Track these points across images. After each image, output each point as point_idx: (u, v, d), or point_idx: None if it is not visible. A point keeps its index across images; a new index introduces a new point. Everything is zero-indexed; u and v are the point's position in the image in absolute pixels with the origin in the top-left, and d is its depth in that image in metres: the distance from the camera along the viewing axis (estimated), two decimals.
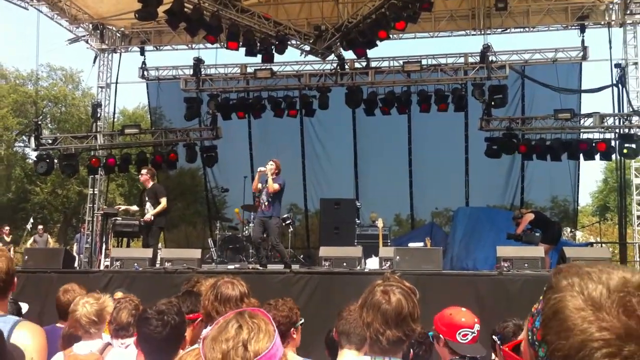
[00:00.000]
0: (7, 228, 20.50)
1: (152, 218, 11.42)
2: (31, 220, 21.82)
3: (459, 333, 3.48)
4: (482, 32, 15.78)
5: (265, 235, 11.01)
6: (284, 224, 13.83)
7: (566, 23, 15.81)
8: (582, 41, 15.72)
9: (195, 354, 2.45)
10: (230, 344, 1.77)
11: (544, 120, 15.60)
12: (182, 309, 3.46)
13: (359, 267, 9.69)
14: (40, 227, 21.82)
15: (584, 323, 0.99)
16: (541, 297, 1.13)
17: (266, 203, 10.66)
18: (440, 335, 3.54)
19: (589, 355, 0.97)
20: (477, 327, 3.54)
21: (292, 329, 3.86)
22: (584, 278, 1.05)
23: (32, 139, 16.69)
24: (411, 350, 3.52)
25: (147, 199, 11.76)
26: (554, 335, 1.04)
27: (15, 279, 2.96)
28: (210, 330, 1.86)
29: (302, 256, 14.80)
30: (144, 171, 12.22)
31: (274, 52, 14.18)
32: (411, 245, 11.80)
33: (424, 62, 15.86)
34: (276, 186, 10.58)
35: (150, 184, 11.87)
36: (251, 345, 1.77)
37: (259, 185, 10.91)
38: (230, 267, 11.66)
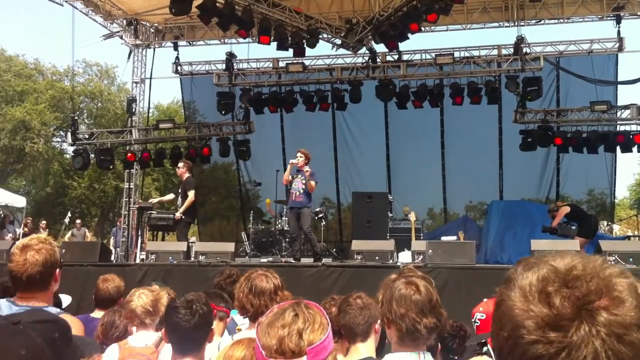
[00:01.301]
0: (44, 222, 20.96)
1: (181, 216, 11.55)
2: (69, 214, 22.21)
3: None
4: (516, 24, 15.56)
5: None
6: (316, 217, 13.91)
7: (601, 14, 15.51)
8: (618, 32, 15.44)
9: (244, 345, 2.49)
10: (286, 331, 1.81)
11: (580, 112, 15.39)
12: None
13: (391, 261, 9.68)
14: (78, 221, 22.26)
15: (514, 312, 1.03)
16: None
17: (297, 193, 10.75)
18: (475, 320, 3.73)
19: (516, 343, 1.01)
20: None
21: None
22: (526, 268, 1.08)
23: (69, 134, 17.00)
24: (439, 344, 3.52)
25: (179, 191, 11.91)
26: (494, 325, 1.09)
27: (58, 270, 2.98)
28: (265, 317, 1.91)
29: (334, 250, 14.83)
30: (180, 164, 12.32)
31: (305, 46, 14.19)
32: (444, 238, 11.74)
33: (456, 54, 15.74)
34: (313, 183, 10.69)
35: (185, 176, 11.99)
36: (306, 334, 1.80)
37: (290, 177, 11.00)
38: (263, 260, 11.77)
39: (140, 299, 3.98)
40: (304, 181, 10.75)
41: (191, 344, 3.18)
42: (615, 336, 0.97)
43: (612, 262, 1.11)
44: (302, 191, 10.77)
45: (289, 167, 11.11)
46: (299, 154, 10.92)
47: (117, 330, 4.25)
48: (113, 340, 4.10)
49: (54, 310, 2.90)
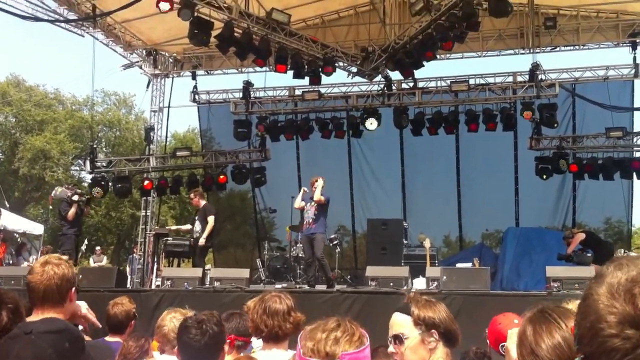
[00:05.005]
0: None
1: (205, 242, 11.65)
2: (85, 242, 22.37)
3: (502, 346, 3.43)
4: (531, 51, 15.56)
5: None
6: (331, 244, 13.90)
7: (617, 40, 15.52)
8: (634, 58, 15.38)
9: None
10: (325, 335, 1.90)
11: (596, 139, 15.33)
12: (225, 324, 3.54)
13: (405, 287, 9.65)
14: (98, 248, 22.41)
15: (599, 306, 1.10)
16: None
17: (311, 220, 10.84)
18: (487, 341, 3.54)
19: (597, 334, 1.08)
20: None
21: None
22: (617, 267, 1.14)
23: (88, 162, 17.18)
24: None
25: (196, 218, 12.03)
26: (579, 315, 1.17)
27: (74, 289, 3.01)
28: (310, 324, 2.01)
29: (349, 277, 14.79)
30: (191, 194, 12.53)
31: (321, 74, 14.32)
32: (459, 265, 11.69)
33: (471, 81, 15.79)
34: (321, 197, 10.76)
35: (201, 204, 12.12)
36: (341, 342, 1.88)
37: (302, 203, 11.11)
38: (278, 286, 11.77)
39: (172, 322, 4.02)
40: (315, 207, 10.83)
41: None
42: None
43: None
44: (314, 218, 10.84)
45: (301, 193, 11.23)
46: (316, 183, 11.03)
47: (133, 355, 4.29)
48: None
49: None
